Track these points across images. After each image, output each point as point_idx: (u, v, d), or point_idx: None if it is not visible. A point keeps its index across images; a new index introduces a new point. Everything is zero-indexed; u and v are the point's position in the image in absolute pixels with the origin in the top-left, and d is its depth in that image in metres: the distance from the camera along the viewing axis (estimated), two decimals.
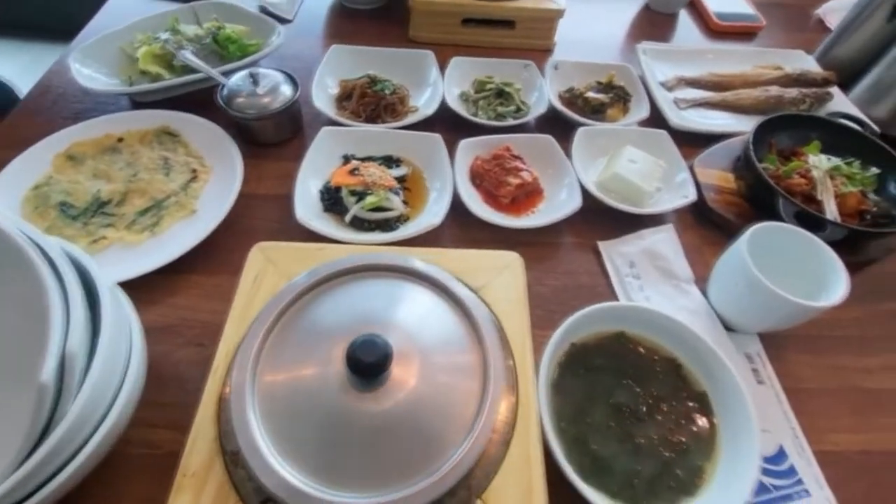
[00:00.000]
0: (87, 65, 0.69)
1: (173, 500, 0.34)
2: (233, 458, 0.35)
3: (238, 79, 0.66)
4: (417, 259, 0.43)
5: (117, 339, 0.36)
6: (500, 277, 0.47)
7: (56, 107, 0.72)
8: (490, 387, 0.36)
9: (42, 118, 0.70)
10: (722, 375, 0.45)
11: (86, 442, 0.33)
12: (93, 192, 0.58)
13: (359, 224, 0.58)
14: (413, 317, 0.40)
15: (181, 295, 0.53)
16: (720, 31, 0.98)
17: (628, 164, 0.64)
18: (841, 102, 0.80)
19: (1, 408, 0.36)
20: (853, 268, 0.50)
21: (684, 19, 1.04)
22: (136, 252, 0.54)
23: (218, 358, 0.41)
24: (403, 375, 0.36)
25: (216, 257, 0.56)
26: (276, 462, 0.32)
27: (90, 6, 0.92)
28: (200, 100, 0.71)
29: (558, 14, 0.85)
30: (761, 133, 0.67)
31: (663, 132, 0.70)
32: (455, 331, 0.40)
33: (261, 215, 0.62)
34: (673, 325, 0.47)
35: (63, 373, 0.30)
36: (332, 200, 0.59)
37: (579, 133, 0.68)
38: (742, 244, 0.49)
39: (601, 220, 0.63)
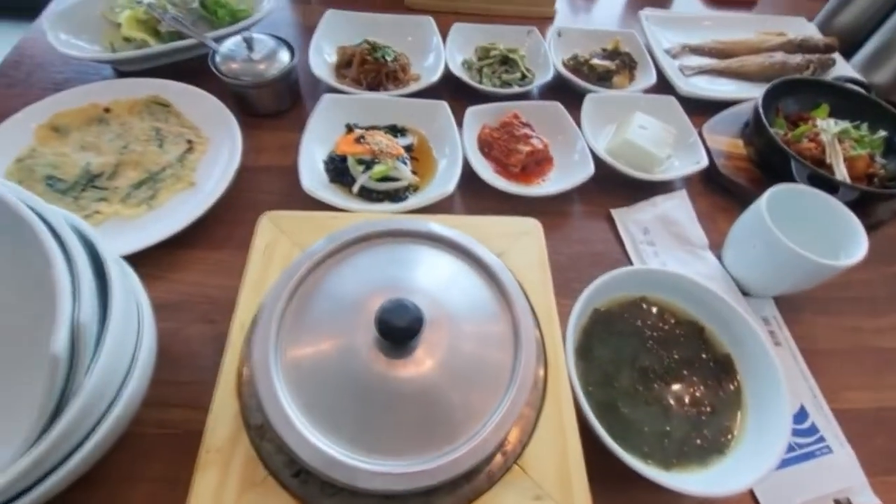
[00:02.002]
0: (65, 31, 0.65)
1: (198, 476, 0.32)
2: (258, 431, 0.34)
3: (231, 44, 0.62)
4: (437, 224, 0.42)
5: (127, 310, 0.34)
6: (520, 244, 0.46)
7: (32, 78, 0.67)
8: (522, 352, 0.35)
9: (18, 90, 0.65)
10: (746, 337, 0.44)
11: (102, 418, 0.31)
12: (82, 165, 0.54)
13: (367, 194, 0.56)
14: (438, 282, 0.38)
15: (184, 270, 0.51)
16: None
17: (639, 131, 0.63)
18: (843, 69, 0.80)
19: (7, 387, 0.33)
20: None
21: None
22: (133, 226, 0.51)
23: (233, 332, 0.39)
24: (433, 341, 0.34)
25: (217, 232, 0.54)
26: (309, 434, 0.31)
27: None
28: (187, 69, 0.67)
29: None
30: (769, 98, 0.67)
31: (672, 98, 0.69)
32: (481, 295, 0.38)
33: (261, 188, 0.59)
34: (695, 289, 0.47)
35: (75, 344, 0.28)
36: (337, 170, 0.57)
37: (588, 99, 0.67)
38: (761, 205, 0.49)
39: (612, 187, 0.62)
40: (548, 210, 0.60)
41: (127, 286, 0.36)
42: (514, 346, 0.35)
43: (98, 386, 0.30)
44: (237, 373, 0.36)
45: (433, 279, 0.38)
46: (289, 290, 0.36)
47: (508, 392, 0.33)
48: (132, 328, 0.35)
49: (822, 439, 0.45)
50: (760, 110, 0.63)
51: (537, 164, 0.62)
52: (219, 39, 0.64)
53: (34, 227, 0.29)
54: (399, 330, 0.32)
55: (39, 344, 0.32)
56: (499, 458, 0.34)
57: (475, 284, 0.39)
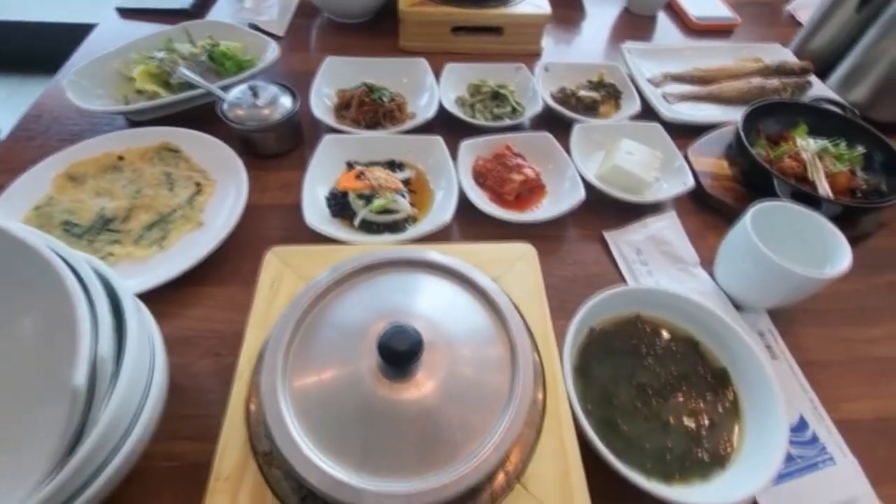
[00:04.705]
0: (82, 87, 0.69)
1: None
2: (266, 458, 0.35)
3: (238, 92, 0.66)
4: (435, 252, 0.44)
5: (141, 346, 0.36)
6: (515, 268, 0.48)
7: (51, 131, 0.71)
8: (520, 372, 0.36)
9: (37, 142, 0.69)
10: (740, 350, 0.45)
11: (115, 452, 0.33)
12: (96, 210, 0.57)
13: (368, 227, 0.58)
14: (437, 307, 0.40)
15: (194, 307, 0.53)
16: (698, 29, 1.02)
17: (626, 156, 0.66)
18: (819, 90, 0.84)
19: (27, 419, 0.35)
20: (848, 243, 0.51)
21: (663, 20, 1.08)
22: (145, 267, 0.53)
23: (241, 363, 0.40)
24: (433, 364, 0.36)
25: (225, 268, 0.56)
26: (315, 457, 0.32)
27: (70, 41, 0.90)
28: (196, 116, 0.71)
29: (545, 19, 0.88)
30: (749, 120, 0.70)
31: (656, 125, 0.72)
32: (479, 319, 0.40)
33: (267, 225, 0.62)
34: (688, 305, 0.48)
35: (94, 378, 0.30)
36: (339, 206, 0.60)
37: (576, 129, 0.70)
38: (746, 223, 0.51)
39: (604, 211, 0.65)
40: (543, 235, 0.62)
41: (141, 323, 0.38)
42: (511, 367, 0.37)
43: (114, 419, 0.31)
44: (245, 403, 0.38)
45: (432, 305, 0.40)
46: (295, 321, 0.38)
47: (507, 412, 0.34)
48: (145, 363, 0.37)
49: (824, 450, 0.45)
50: (741, 132, 0.66)
51: (530, 191, 0.65)
52: (226, 88, 0.68)
53: (58, 269, 0.31)
54: (400, 353, 0.33)
55: (55, 379, 0.34)
56: (501, 477, 0.35)
57: (473, 309, 0.41)
